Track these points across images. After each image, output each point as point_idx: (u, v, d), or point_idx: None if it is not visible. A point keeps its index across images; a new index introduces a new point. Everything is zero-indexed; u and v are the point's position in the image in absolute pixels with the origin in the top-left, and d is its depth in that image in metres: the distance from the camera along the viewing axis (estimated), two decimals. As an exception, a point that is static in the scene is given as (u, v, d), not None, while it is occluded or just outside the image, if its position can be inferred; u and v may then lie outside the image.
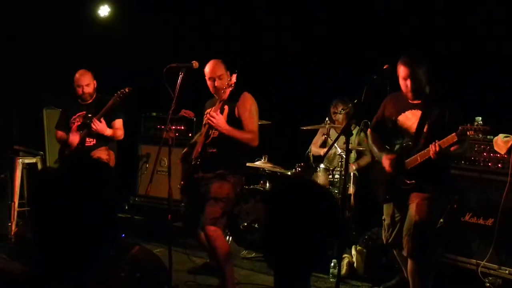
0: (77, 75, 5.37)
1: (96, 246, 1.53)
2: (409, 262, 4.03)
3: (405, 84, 3.95)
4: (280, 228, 1.64)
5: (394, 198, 4.16)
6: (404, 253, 4.03)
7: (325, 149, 5.73)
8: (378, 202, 4.28)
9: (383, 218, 4.27)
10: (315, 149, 6.00)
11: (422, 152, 3.85)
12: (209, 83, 4.36)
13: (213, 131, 4.23)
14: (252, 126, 4.27)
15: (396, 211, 4.16)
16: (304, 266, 1.66)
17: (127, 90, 5.08)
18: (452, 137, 3.72)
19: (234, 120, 4.23)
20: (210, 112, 4.19)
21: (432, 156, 3.77)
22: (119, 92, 5.08)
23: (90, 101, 5.42)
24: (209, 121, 4.17)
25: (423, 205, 3.91)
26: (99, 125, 5.12)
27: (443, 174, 4.05)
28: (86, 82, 5.34)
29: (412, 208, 3.94)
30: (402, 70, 3.93)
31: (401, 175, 3.98)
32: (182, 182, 4.39)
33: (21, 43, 6.55)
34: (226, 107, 4.25)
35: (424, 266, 3.98)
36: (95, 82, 5.41)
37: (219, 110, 4.18)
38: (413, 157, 3.91)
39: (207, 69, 4.37)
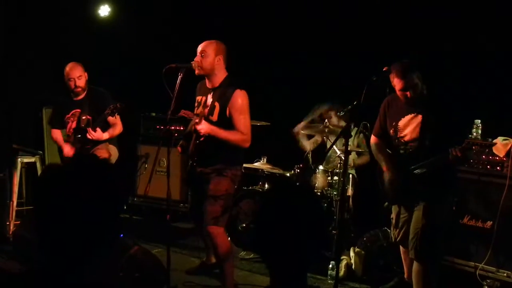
0: (67, 69, 5.22)
1: (97, 245, 1.53)
2: (415, 264, 4.04)
3: (403, 94, 3.95)
4: (269, 230, 1.69)
5: (401, 200, 4.18)
6: (411, 255, 4.03)
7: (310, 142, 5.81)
8: (385, 204, 4.32)
9: (391, 217, 4.32)
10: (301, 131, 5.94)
11: None
12: (195, 58, 4.24)
13: (201, 139, 4.18)
14: (243, 127, 4.14)
15: (403, 211, 4.19)
16: (293, 265, 1.69)
17: (118, 106, 4.90)
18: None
19: (225, 120, 4.13)
20: (196, 126, 4.08)
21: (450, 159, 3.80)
22: (111, 107, 4.91)
23: (83, 96, 5.28)
24: (196, 131, 4.11)
25: (430, 209, 3.93)
26: (95, 135, 4.99)
27: (449, 176, 4.07)
28: (78, 74, 5.19)
29: (419, 210, 3.95)
30: (397, 83, 3.94)
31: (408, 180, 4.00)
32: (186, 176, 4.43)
33: (21, 43, 6.55)
34: (217, 104, 4.15)
35: (430, 268, 3.99)
36: (86, 74, 5.26)
37: (204, 122, 4.08)
38: None
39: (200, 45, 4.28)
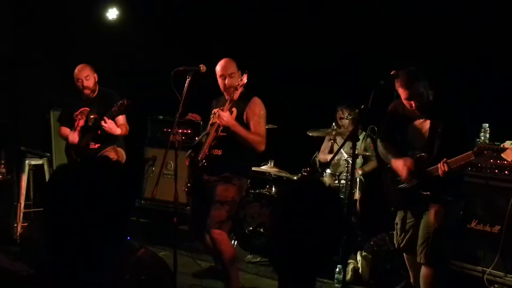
0: (76, 70, 5.25)
1: (105, 247, 1.53)
2: (424, 268, 4.00)
3: (409, 103, 3.90)
4: (285, 231, 1.63)
5: (407, 206, 4.15)
6: (420, 259, 3.97)
7: (332, 155, 5.76)
8: (391, 208, 4.28)
9: (395, 222, 4.26)
10: (323, 156, 5.99)
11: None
12: (219, 81, 4.33)
13: (220, 132, 4.22)
14: (260, 130, 4.25)
15: (409, 216, 4.14)
16: (309, 269, 1.65)
17: (125, 103, 4.89)
18: (468, 155, 3.71)
19: (242, 124, 4.22)
20: (219, 112, 4.16)
21: (441, 175, 3.77)
22: (118, 104, 4.91)
23: (93, 95, 5.29)
24: (217, 120, 4.15)
25: (441, 213, 3.89)
26: (109, 125, 4.95)
27: (459, 182, 4.05)
28: (85, 75, 5.22)
29: (430, 215, 3.90)
30: (402, 92, 3.89)
31: (416, 186, 3.96)
32: (188, 185, 4.40)
33: (29, 45, 6.58)
34: (234, 109, 4.23)
35: (439, 273, 3.96)
36: (95, 75, 5.29)
37: (228, 111, 4.17)
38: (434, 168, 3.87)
39: (219, 67, 4.34)
